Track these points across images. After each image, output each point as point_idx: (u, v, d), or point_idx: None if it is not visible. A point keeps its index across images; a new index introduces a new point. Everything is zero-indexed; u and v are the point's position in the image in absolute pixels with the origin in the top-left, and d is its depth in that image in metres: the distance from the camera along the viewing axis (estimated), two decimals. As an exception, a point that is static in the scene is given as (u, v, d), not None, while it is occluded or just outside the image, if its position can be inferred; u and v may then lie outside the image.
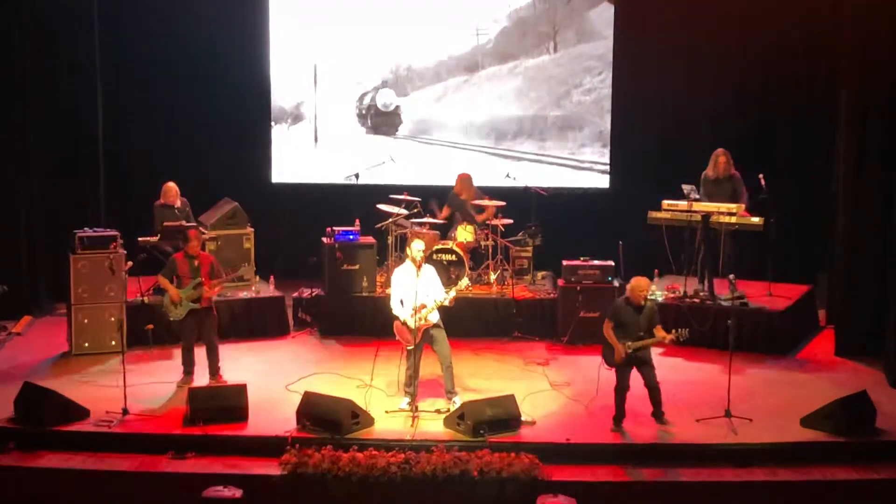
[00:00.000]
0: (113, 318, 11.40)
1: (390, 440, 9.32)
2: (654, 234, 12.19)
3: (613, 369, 9.65)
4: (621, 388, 9.60)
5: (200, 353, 10.68)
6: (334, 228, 12.62)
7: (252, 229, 13.00)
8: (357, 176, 13.28)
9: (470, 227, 12.98)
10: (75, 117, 13.57)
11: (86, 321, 11.54)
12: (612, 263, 12.38)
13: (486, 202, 12.91)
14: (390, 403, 10.09)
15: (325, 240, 12.68)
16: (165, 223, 12.11)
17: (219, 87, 14.33)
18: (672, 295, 12.33)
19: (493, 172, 14.13)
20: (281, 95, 14.74)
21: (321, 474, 8.89)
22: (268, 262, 13.20)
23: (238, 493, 8.41)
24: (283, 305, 12.71)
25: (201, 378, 10.62)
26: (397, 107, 14.75)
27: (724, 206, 12.04)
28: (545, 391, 10.61)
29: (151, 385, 10.55)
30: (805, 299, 12.70)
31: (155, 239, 12.17)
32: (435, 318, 10.01)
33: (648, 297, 9.74)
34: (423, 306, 9.86)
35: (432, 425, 9.64)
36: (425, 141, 14.80)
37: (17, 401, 9.71)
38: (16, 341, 12.16)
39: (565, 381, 10.88)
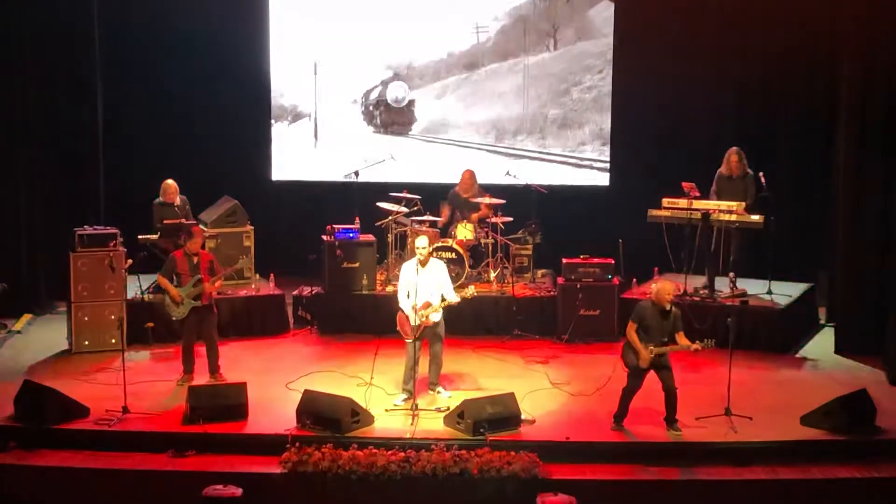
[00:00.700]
0: (113, 316, 11.40)
1: (390, 438, 9.31)
2: (654, 232, 12.19)
3: (628, 370, 9.57)
4: (631, 390, 9.53)
5: (200, 352, 10.69)
6: (334, 226, 12.63)
7: (252, 227, 13.00)
8: (357, 174, 13.26)
9: (470, 225, 12.97)
10: (75, 116, 13.55)
11: (86, 319, 11.55)
12: (613, 261, 12.40)
13: (484, 200, 12.90)
14: (390, 402, 10.09)
15: (325, 237, 12.69)
16: (165, 221, 12.12)
17: (219, 84, 14.33)
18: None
19: (493, 170, 14.10)
20: (281, 93, 14.73)
21: (321, 473, 8.89)
22: (267, 259, 13.20)
23: (238, 491, 8.38)
24: (283, 303, 12.71)
25: (201, 376, 10.62)
26: (411, 101, 14.43)
27: (724, 204, 12.04)
28: (545, 389, 10.61)
29: (152, 383, 10.55)
30: (805, 297, 12.71)
31: (154, 237, 12.17)
32: (437, 317, 10.02)
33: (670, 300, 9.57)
34: (429, 304, 9.87)
35: (432, 424, 9.63)
36: (425, 139, 14.80)
37: (17, 399, 9.71)
38: (16, 339, 12.16)
39: (565, 379, 10.88)
